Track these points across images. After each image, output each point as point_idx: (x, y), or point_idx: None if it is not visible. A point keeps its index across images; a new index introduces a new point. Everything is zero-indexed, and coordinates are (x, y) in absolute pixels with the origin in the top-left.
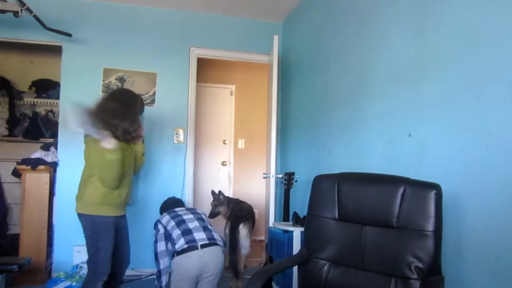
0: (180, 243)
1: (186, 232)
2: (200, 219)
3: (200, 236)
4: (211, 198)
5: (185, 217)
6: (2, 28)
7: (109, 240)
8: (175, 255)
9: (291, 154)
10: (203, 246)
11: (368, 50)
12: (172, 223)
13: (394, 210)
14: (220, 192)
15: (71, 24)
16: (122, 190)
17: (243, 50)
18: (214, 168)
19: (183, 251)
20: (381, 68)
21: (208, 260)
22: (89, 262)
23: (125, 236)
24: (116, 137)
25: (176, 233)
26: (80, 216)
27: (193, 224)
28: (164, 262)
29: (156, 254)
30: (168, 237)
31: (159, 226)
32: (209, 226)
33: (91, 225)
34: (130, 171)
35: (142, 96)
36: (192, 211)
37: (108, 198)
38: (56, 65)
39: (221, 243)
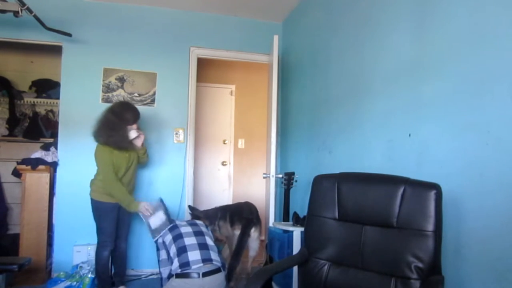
0: (175, 266)
1: (181, 250)
2: (198, 233)
3: (194, 256)
4: (211, 198)
5: (183, 230)
6: (2, 28)
7: (109, 220)
8: (173, 276)
9: (291, 154)
10: (205, 274)
11: (368, 50)
12: (169, 236)
13: (394, 210)
14: (193, 208)
15: (71, 24)
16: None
17: (243, 50)
18: (214, 168)
19: (181, 276)
20: (381, 68)
21: None
22: (97, 234)
23: (125, 219)
24: (107, 144)
25: (172, 250)
26: (90, 199)
27: (190, 241)
28: (165, 271)
29: (159, 262)
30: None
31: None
32: (208, 242)
33: (95, 208)
34: (128, 170)
35: (142, 96)
36: (192, 223)
37: None
38: (56, 65)
39: (219, 263)
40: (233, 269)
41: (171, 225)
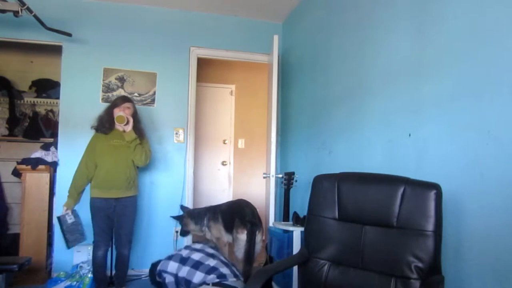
0: (210, 277)
1: (213, 269)
2: (209, 255)
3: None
4: (211, 198)
5: (196, 258)
6: (2, 28)
7: (98, 219)
8: (209, 285)
9: (291, 154)
10: None
11: (368, 50)
12: (186, 268)
13: (394, 210)
14: (182, 207)
15: (71, 24)
16: (99, 170)
17: (243, 50)
18: (214, 168)
19: (218, 285)
20: (381, 68)
21: None
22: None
23: (122, 223)
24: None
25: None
26: None
27: (210, 262)
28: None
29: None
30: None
31: (165, 275)
32: (221, 259)
33: (90, 205)
34: (109, 157)
35: (142, 96)
36: (199, 249)
37: (94, 179)
38: (56, 65)
39: (233, 278)
40: (248, 277)
41: (181, 256)
